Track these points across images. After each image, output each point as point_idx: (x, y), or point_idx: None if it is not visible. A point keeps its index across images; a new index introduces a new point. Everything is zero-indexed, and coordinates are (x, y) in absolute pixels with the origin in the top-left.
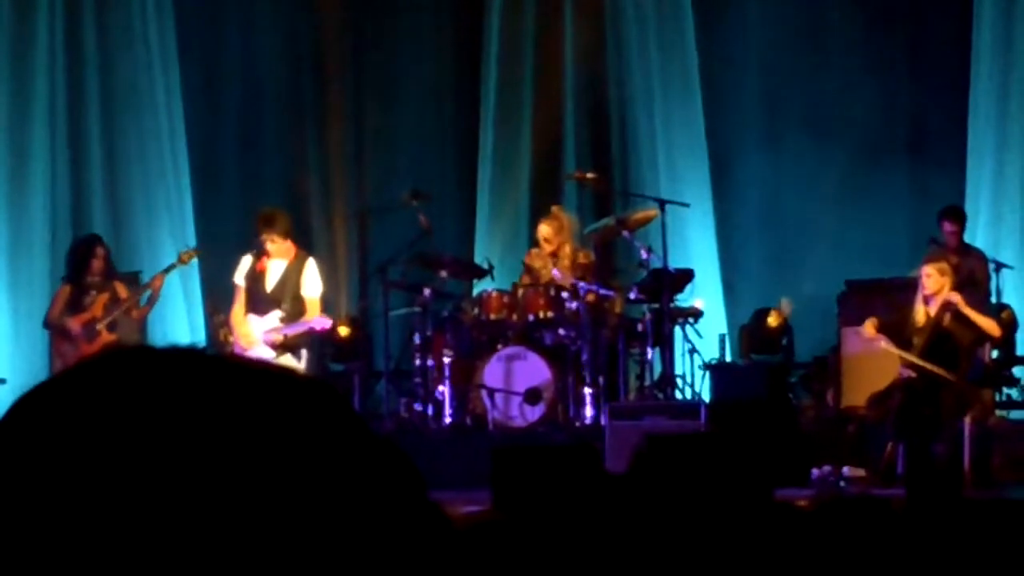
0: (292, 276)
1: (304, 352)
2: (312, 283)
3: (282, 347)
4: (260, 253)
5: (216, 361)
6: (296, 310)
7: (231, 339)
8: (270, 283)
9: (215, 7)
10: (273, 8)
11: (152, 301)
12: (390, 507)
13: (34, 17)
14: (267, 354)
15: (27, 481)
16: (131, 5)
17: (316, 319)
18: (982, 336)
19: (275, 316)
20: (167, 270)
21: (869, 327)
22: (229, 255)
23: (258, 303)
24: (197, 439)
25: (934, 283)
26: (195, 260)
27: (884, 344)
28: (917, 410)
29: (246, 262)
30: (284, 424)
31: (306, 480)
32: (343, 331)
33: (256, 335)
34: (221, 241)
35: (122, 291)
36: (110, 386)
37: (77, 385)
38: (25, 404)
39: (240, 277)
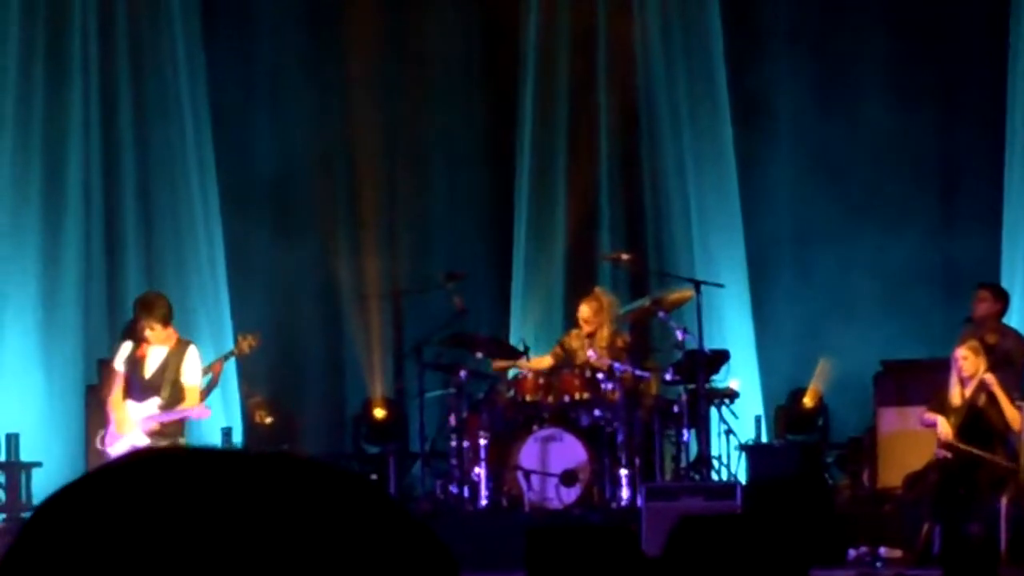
0: (172, 363)
1: (180, 441)
2: (191, 371)
3: (158, 434)
4: (140, 339)
5: (244, 459)
6: (175, 397)
7: (266, 419)
8: (149, 369)
9: (249, 92)
10: (306, 89)
11: (212, 385)
12: None
13: (69, 90)
14: (142, 441)
15: None
16: (166, 79)
17: (195, 408)
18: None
19: (153, 403)
20: (227, 356)
21: (945, 427)
22: (264, 336)
23: (136, 389)
24: (225, 544)
25: (970, 365)
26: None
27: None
28: (953, 490)
29: (126, 348)
30: (319, 522)
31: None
32: (378, 413)
33: (133, 421)
34: (255, 323)
35: None
36: (136, 491)
37: (102, 491)
38: (50, 508)
39: (120, 363)
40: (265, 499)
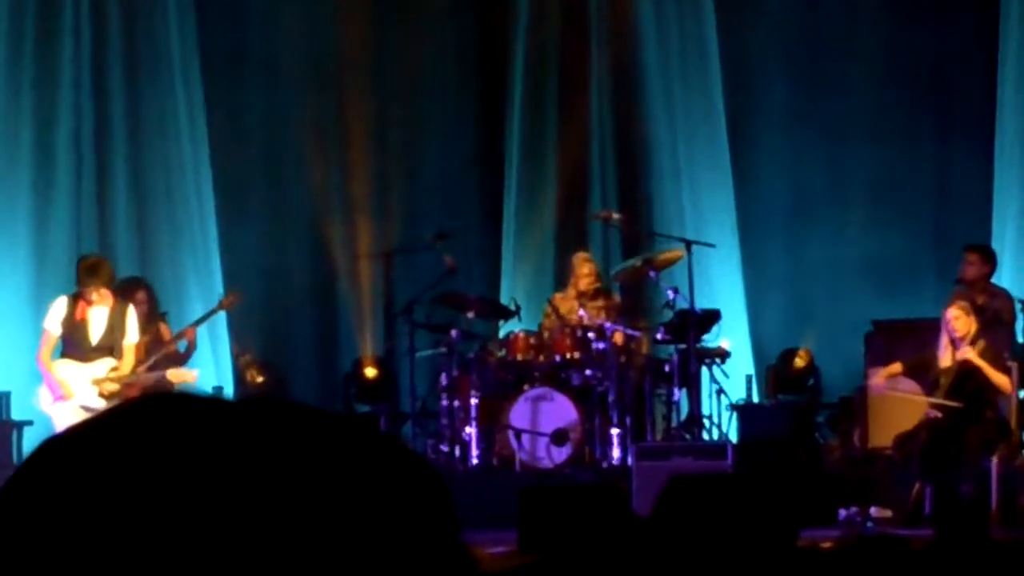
0: (118, 323)
1: None
2: (132, 330)
3: (113, 396)
4: (82, 300)
5: (239, 405)
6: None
7: (257, 379)
8: (95, 331)
9: (240, 52)
10: (297, 52)
11: (190, 350)
12: (420, 547)
13: (59, 58)
14: (96, 403)
15: (48, 529)
16: (158, 47)
17: (176, 370)
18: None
19: (105, 364)
20: (206, 317)
21: (879, 378)
22: (255, 295)
23: (80, 351)
24: (226, 489)
25: (962, 325)
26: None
27: (899, 394)
28: (943, 450)
29: (60, 307)
30: (327, 466)
31: (343, 518)
32: (369, 372)
33: (80, 383)
34: (247, 282)
35: (165, 333)
36: (142, 432)
37: (108, 431)
38: (52, 447)
39: (54, 323)
40: (264, 442)
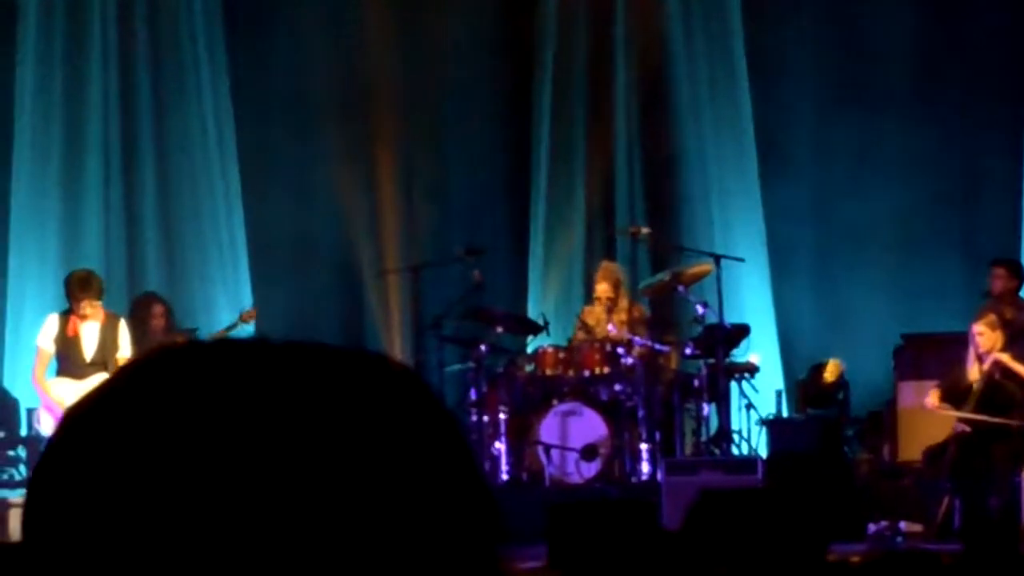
0: (110, 338)
1: None
2: (125, 344)
3: None
4: (75, 316)
5: (272, 347)
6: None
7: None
8: (88, 346)
9: (267, 65)
10: (325, 62)
11: None
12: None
13: (88, 77)
14: None
15: (94, 490)
16: (184, 62)
17: None
18: None
19: (99, 380)
20: (227, 330)
21: (934, 398)
22: (282, 311)
23: (73, 367)
24: (281, 428)
25: (987, 340)
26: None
27: (943, 411)
28: (972, 464)
29: (52, 325)
30: (369, 412)
31: (385, 473)
32: None
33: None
34: (274, 297)
35: None
36: (169, 381)
37: (125, 390)
38: (81, 414)
39: (47, 340)
40: (301, 380)
